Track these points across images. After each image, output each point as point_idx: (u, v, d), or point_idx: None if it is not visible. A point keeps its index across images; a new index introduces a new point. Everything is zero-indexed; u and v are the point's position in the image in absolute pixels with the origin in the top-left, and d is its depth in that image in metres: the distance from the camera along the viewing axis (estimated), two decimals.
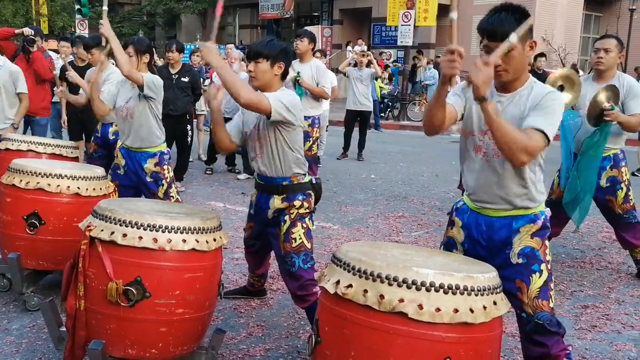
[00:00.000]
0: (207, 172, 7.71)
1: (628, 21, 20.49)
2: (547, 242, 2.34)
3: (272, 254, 3.24)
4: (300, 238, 2.90)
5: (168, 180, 4.17)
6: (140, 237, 2.38)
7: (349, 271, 1.96)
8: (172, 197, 4.19)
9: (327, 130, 8.95)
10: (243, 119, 3.03)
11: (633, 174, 8.69)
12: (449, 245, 2.51)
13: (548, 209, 2.39)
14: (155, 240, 2.39)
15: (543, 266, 2.29)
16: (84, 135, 6.77)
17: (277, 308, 3.55)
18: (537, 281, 2.27)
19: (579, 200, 4.00)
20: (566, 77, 4.07)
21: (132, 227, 2.40)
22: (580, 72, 14.74)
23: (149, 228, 2.40)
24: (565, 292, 3.94)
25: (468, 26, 21.79)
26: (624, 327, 3.43)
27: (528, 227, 2.30)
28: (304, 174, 2.97)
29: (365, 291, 1.88)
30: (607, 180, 4.09)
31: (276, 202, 2.93)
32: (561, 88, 3.97)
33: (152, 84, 4.02)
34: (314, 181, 3.01)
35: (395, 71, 16.69)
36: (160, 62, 9.95)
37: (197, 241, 2.47)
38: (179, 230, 2.43)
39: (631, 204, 4.14)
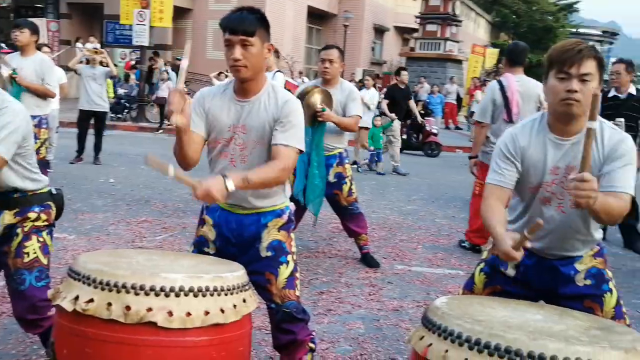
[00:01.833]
0: None
1: (343, 34, 23.16)
2: (292, 235, 2.50)
3: None
4: (35, 252, 2.53)
5: None
6: None
7: (89, 284, 1.80)
8: None
9: (57, 132, 8.17)
10: None
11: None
12: (200, 243, 2.50)
13: (292, 204, 2.56)
14: None
15: (289, 257, 2.43)
16: None
17: (3, 334, 3.10)
18: (284, 272, 2.40)
19: (320, 194, 4.39)
20: (324, 93, 4.32)
21: None
22: (306, 79, 16.13)
23: None
24: (304, 281, 4.25)
25: (203, 31, 22.12)
26: (354, 307, 3.84)
27: (275, 221, 2.43)
28: (40, 183, 2.61)
29: (109, 304, 1.74)
30: (334, 176, 4.55)
31: (7, 217, 2.52)
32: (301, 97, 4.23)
33: None
34: (53, 191, 2.68)
35: (138, 73, 16.07)
36: None
37: None
38: None
39: (354, 197, 4.67)
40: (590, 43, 2.24)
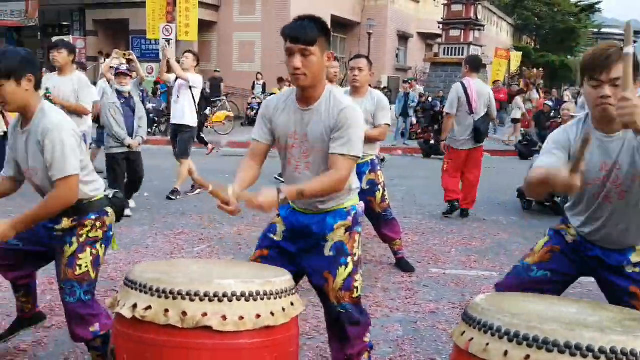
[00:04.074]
0: None
1: (367, 43, 23.24)
2: (357, 237, 2.51)
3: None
4: (87, 266, 2.60)
5: None
6: None
7: (146, 292, 1.89)
8: None
9: (90, 149, 8.38)
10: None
11: None
12: (269, 230, 2.58)
13: (361, 202, 2.58)
14: None
15: (349, 259, 2.45)
16: None
17: (54, 347, 3.22)
18: (342, 273, 2.43)
19: None
20: None
21: None
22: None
23: None
24: None
25: (229, 44, 22.43)
26: (391, 311, 3.89)
27: (341, 223, 2.45)
28: (96, 190, 2.70)
29: (167, 310, 1.84)
30: (367, 183, 4.60)
31: (64, 223, 2.62)
32: None
33: None
34: (110, 195, 2.76)
35: (163, 87, 16.35)
36: None
37: None
38: None
39: (387, 203, 4.72)
40: (613, 42, 2.30)
